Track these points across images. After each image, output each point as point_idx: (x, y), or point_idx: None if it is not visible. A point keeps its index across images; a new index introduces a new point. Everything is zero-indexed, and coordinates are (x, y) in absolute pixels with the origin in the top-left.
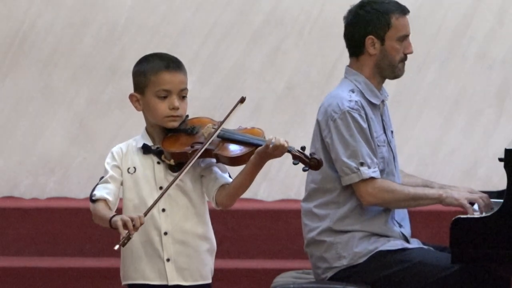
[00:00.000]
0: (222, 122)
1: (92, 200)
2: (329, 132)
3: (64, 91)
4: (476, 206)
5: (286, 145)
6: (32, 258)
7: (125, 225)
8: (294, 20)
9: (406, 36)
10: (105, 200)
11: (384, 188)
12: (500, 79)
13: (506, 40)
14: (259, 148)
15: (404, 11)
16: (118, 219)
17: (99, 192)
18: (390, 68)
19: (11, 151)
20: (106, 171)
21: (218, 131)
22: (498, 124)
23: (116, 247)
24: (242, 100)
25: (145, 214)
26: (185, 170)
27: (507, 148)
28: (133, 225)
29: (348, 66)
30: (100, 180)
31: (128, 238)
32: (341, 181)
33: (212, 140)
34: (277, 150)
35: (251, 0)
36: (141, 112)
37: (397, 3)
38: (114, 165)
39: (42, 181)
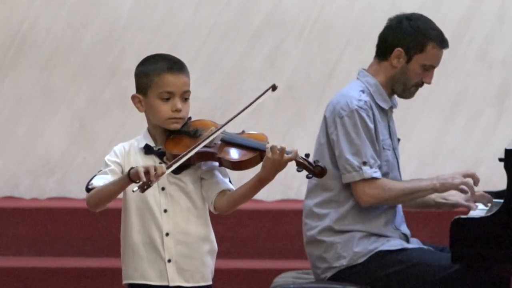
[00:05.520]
0: (249, 105)
1: (89, 189)
2: (335, 129)
3: (64, 91)
4: (479, 205)
5: (294, 152)
6: (32, 258)
7: (147, 172)
8: (294, 20)
9: (432, 67)
10: None
11: (383, 187)
12: (500, 79)
13: (506, 40)
14: (264, 160)
15: (443, 44)
16: (139, 166)
17: (97, 182)
18: (403, 86)
19: (11, 151)
20: (106, 165)
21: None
22: (498, 124)
23: (135, 189)
24: (273, 87)
25: (168, 167)
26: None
27: (507, 148)
28: (155, 173)
29: (363, 68)
30: (98, 172)
31: (148, 185)
32: (342, 179)
33: (215, 144)
34: (279, 157)
35: (251, 0)
36: (141, 112)
37: (442, 34)
38: (115, 162)
39: (42, 181)
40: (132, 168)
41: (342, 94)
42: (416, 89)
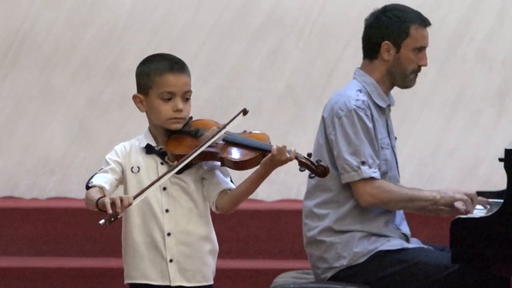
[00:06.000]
0: (224, 127)
1: (88, 186)
2: (333, 129)
3: (64, 91)
4: (480, 206)
5: (293, 152)
6: (32, 258)
7: (113, 204)
8: (294, 20)
9: (423, 48)
10: (101, 188)
11: (383, 188)
12: (500, 79)
13: (506, 40)
14: (265, 158)
15: (425, 22)
16: (106, 198)
17: (96, 180)
18: (402, 77)
19: (11, 151)
20: (107, 163)
21: (220, 134)
22: (498, 124)
23: (101, 221)
24: (244, 112)
25: (135, 197)
26: (188, 160)
27: (507, 148)
28: (121, 204)
29: (358, 68)
30: (99, 171)
31: (115, 217)
32: (341, 179)
33: (217, 144)
34: (283, 158)
35: (251, 0)
36: (141, 112)
37: (420, 14)
38: (115, 161)
39: (42, 181)
40: (101, 197)
41: (340, 94)
42: (415, 76)
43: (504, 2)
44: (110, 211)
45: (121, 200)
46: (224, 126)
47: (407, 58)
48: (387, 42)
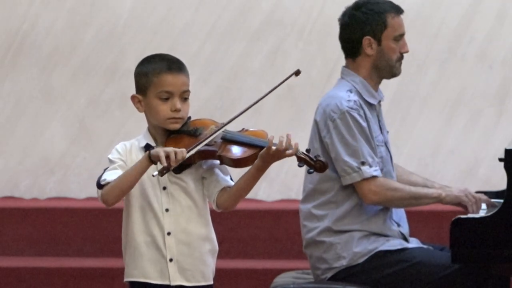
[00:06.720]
0: (273, 89)
1: (101, 185)
2: (328, 132)
3: (64, 91)
4: (483, 205)
5: (293, 148)
6: (32, 258)
7: (167, 157)
8: (294, 20)
9: (402, 36)
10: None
11: (387, 186)
12: (500, 79)
13: (506, 40)
14: (262, 151)
15: (398, 10)
16: (159, 149)
17: (109, 177)
18: (388, 67)
19: (11, 151)
20: (112, 162)
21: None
22: (498, 124)
23: (155, 173)
24: (297, 73)
25: (188, 151)
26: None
27: (507, 148)
28: (175, 158)
29: (344, 66)
30: (105, 170)
31: (168, 169)
32: (339, 181)
33: (216, 142)
34: (281, 152)
35: (251, 0)
36: (140, 112)
37: (392, 2)
38: (120, 158)
39: (42, 181)
40: (151, 148)
41: (331, 96)
42: (400, 63)
43: (504, 2)
44: (165, 163)
45: (175, 153)
46: (276, 87)
47: (390, 48)
48: (367, 37)
